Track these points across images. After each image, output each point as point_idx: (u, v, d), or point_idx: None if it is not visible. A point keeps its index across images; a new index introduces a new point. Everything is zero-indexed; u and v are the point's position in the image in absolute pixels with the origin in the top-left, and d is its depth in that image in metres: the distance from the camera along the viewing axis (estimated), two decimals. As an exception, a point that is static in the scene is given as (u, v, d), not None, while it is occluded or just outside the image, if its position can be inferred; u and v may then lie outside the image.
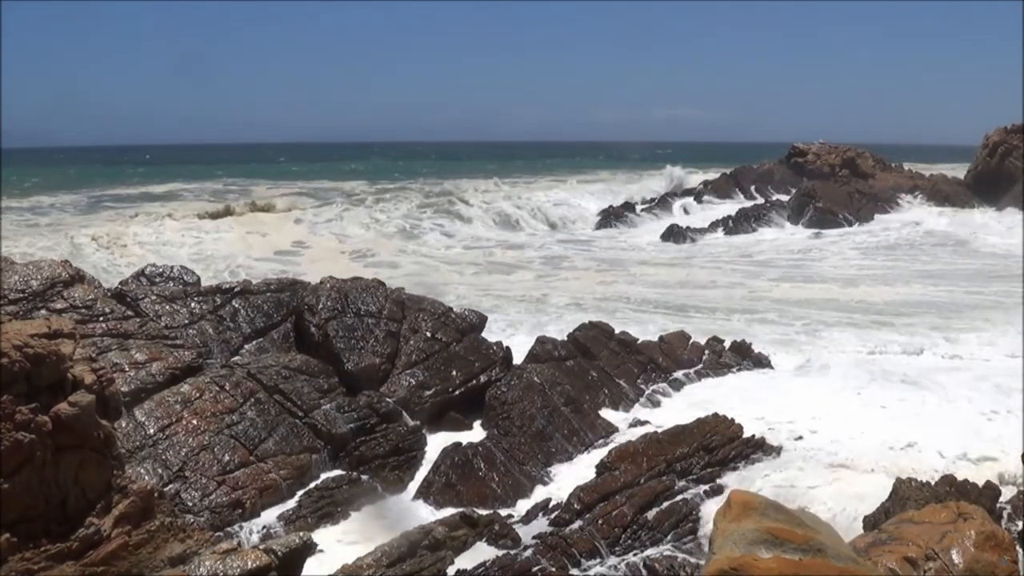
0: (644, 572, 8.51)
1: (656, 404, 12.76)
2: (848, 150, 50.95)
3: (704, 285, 24.54)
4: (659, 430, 10.83)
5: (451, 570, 7.91)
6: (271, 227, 33.55)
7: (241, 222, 33.81)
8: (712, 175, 50.26)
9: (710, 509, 9.22)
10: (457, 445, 10.49)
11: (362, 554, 7.77)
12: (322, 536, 8.68)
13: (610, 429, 11.65)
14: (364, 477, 9.90)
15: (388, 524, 9.09)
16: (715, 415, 10.73)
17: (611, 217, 38.92)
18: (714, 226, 35.94)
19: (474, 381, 11.82)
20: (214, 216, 34.44)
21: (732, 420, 10.66)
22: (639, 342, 13.71)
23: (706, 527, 8.86)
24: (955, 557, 4.34)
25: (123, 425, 8.92)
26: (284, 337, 11.83)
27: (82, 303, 10.33)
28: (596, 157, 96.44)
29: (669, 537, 9.01)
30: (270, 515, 9.05)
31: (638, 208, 41.17)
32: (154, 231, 31.01)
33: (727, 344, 14.44)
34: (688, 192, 46.24)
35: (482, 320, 12.88)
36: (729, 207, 40.60)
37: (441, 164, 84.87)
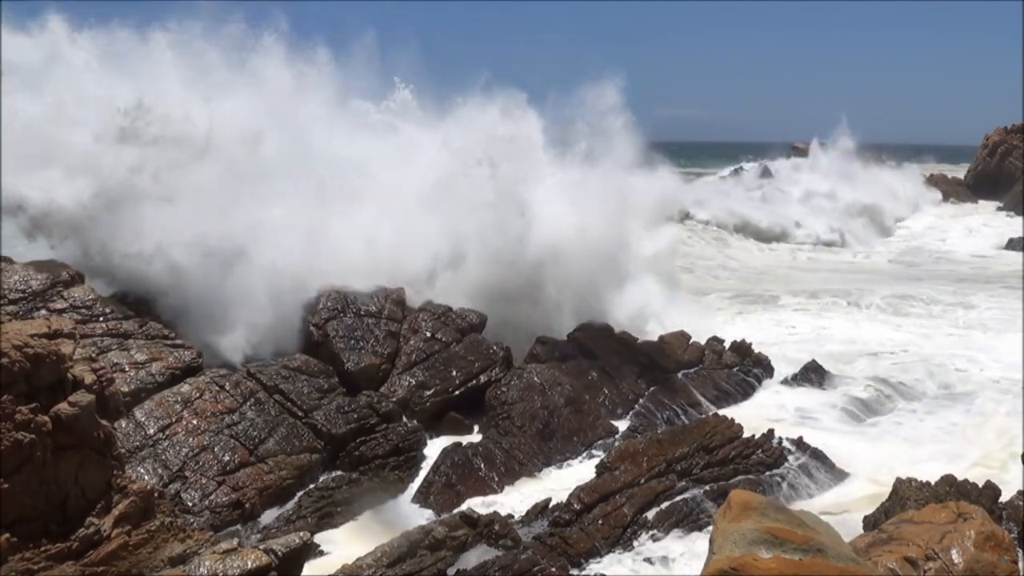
0: (644, 572, 8.50)
1: (656, 403, 12.73)
2: (848, 150, 50.86)
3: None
4: (659, 430, 10.84)
5: (451, 570, 7.90)
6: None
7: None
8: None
9: (710, 509, 9.22)
10: (457, 445, 10.49)
11: (362, 554, 7.77)
12: (322, 536, 8.69)
13: (610, 429, 11.63)
14: (364, 477, 9.89)
15: (388, 524, 9.08)
16: (715, 415, 10.73)
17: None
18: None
19: (474, 381, 11.81)
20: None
21: (732, 420, 10.64)
22: (639, 342, 13.68)
23: (706, 527, 8.85)
24: (955, 557, 4.34)
25: (123, 425, 8.92)
26: (284, 337, 11.82)
27: (82, 303, 10.32)
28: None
29: (669, 537, 8.99)
30: (270, 515, 9.04)
31: None
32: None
33: (727, 344, 14.41)
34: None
35: (482, 320, 12.86)
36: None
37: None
